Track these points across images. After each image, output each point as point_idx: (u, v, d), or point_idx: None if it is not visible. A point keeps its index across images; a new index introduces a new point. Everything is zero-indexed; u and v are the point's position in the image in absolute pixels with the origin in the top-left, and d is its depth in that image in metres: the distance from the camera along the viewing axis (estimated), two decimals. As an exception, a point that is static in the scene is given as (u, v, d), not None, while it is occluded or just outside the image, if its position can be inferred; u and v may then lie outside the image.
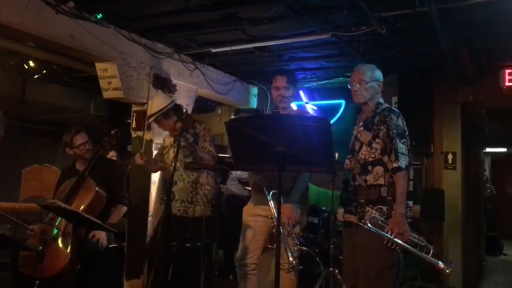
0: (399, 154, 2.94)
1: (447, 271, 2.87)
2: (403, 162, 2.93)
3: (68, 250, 3.38)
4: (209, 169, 3.55)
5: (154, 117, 4.06)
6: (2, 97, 4.70)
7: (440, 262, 2.88)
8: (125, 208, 3.96)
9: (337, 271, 3.87)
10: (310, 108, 6.53)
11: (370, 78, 3.13)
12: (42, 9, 3.81)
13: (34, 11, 3.76)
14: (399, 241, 2.88)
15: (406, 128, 3.06)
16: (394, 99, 5.73)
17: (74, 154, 3.90)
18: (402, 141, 2.98)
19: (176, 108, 4.15)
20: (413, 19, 4.08)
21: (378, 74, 3.18)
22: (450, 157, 5.80)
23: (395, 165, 2.93)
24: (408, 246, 2.90)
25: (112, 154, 6.02)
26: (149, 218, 4.94)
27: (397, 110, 3.14)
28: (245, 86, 6.73)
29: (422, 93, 5.70)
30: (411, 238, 2.94)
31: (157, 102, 4.14)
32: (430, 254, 2.91)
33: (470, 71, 5.42)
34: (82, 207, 3.56)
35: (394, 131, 2.98)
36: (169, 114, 4.07)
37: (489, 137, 8.56)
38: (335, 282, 3.88)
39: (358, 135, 3.16)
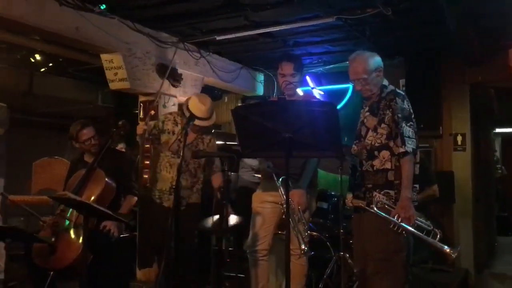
0: (405, 138, 2.90)
1: (453, 255, 2.84)
2: (410, 146, 2.90)
3: (80, 241, 3.41)
4: (217, 157, 3.56)
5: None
6: (10, 91, 4.74)
7: (445, 247, 2.85)
8: (135, 199, 3.98)
9: (347, 255, 3.88)
10: (317, 93, 6.50)
11: (369, 72, 3.03)
12: (45, 1, 3.82)
13: (37, 4, 3.77)
14: (405, 225, 2.87)
15: (412, 111, 3.03)
16: (402, 82, 5.68)
17: (80, 148, 3.91)
18: (408, 124, 2.95)
19: None
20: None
21: (375, 61, 3.07)
22: (459, 138, 5.76)
23: (401, 150, 2.90)
24: (414, 231, 2.89)
25: (121, 146, 6.05)
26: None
27: (402, 92, 3.10)
28: (251, 73, 6.70)
29: (430, 74, 5.63)
30: (417, 222, 2.92)
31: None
32: (437, 239, 2.89)
33: (478, 51, 5.35)
34: (92, 198, 3.59)
35: (399, 115, 2.94)
36: None
37: (499, 117, 8.48)
38: (346, 266, 3.89)
39: (365, 120, 3.14)
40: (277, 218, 3.52)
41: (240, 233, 4.89)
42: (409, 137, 2.92)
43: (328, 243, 4.18)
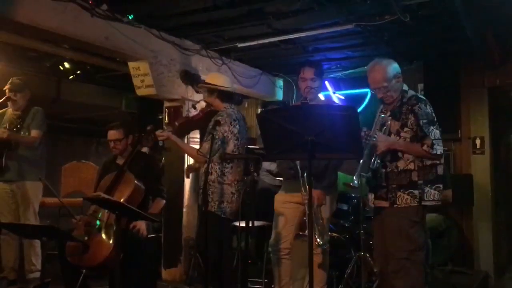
0: (436, 140, 3.01)
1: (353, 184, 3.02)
2: (439, 148, 3.02)
3: (111, 241, 3.55)
4: (242, 158, 3.66)
5: (217, 87, 3.82)
6: (39, 98, 4.94)
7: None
8: (163, 202, 4.07)
9: (368, 255, 3.97)
10: (336, 98, 6.60)
11: (388, 80, 3.14)
12: (78, 13, 4.03)
13: (71, 15, 3.98)
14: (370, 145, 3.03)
15: (434, 114, 3.13)
16: (420, 86, 5.75)
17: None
18: (435, 127, 3.06)
19: (224, 94, 3.90)
20: (436, 6, 4.11)
21: (393, 68, 3.17)
22: (478, 142, 5.79)
23: (433, 152, 3.00)
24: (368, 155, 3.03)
25: (144, 150, 6.22)
26: (184, 209, 5.14)
27: (423, 97, 3.20)
28: (270, 79, 6.84)
29: (448, 78, 5.70)
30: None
31: (222, 79, 3.97)
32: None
33: (496, 55, 5.40)
34: (122, 200, 3.72)
35: (425, 120, 3.04)
36: (224, 95, 3.86)
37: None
38: (366, 265, 3.99)
39: (386, 124, 3.22)
40: (299, 218, 3.64)
41: (261, 235, 5.01)
42: (439, 139, 3.04)
43: (348, 243, 4.27)
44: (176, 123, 3.90)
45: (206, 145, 3.63)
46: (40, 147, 4.63)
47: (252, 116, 7.41)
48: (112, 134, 3.99)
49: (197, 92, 5.33)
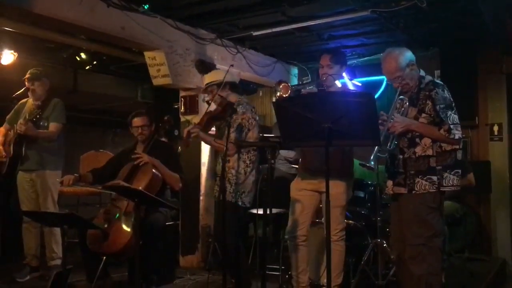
0: (454, 125, 2.99)
1: None
2: (458, 133, 3.00)
3: (130, 229, 3.62)
4: (259, 146, 3.69)
5: (214, 82, 3.95)
6: (55, 89, 5.00)
7: None
8: (178, 177, 4.06)
9: (384, 242, 3.98)
10: (352, 85, 6.56)
11: (401, 69, 3.12)
12: (94, 3, 4.07)
13: (88, 6, 4.02)
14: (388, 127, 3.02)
15: (452, 99, 3.11)
16: (437, 73, 5.69)
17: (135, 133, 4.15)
18: (453, 111, 3.04)
19: (234, 85, 4.05)
20: (453, -9, 4.07)
21: (405, 57, 3.14)
22: (495, 128, 5.75)
23: (451, 136, 2.99)
24: (384, 133, 3.00)
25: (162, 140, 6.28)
26: (201, 197, 5.19)
27: (441, 82, 3.18)
28: (285, 67, 6.82)
29: (465, 65, 5.64)
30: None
31: (216, 74, 4.15)
32: None
33: (516, 40, 5.32)
34: (140, 188, 3.79)
35: (442, 105, 3.02)
36: (233, 87, 4.00)
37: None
38: (383, 252, 4.00)
39: (402, 110, 3.22)
40: (315, 205, 3.66)
41: (278, 223, 5.04)
42: (457, 123, 3.02)
43: (364, 230, 4.28)
44: (204, 118, 3.91)
45: (233, 135, 3.69)
46: (59, 137, 4.68)
47: (267, 104, 7.42)
48: (139, 120, 4.11)
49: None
